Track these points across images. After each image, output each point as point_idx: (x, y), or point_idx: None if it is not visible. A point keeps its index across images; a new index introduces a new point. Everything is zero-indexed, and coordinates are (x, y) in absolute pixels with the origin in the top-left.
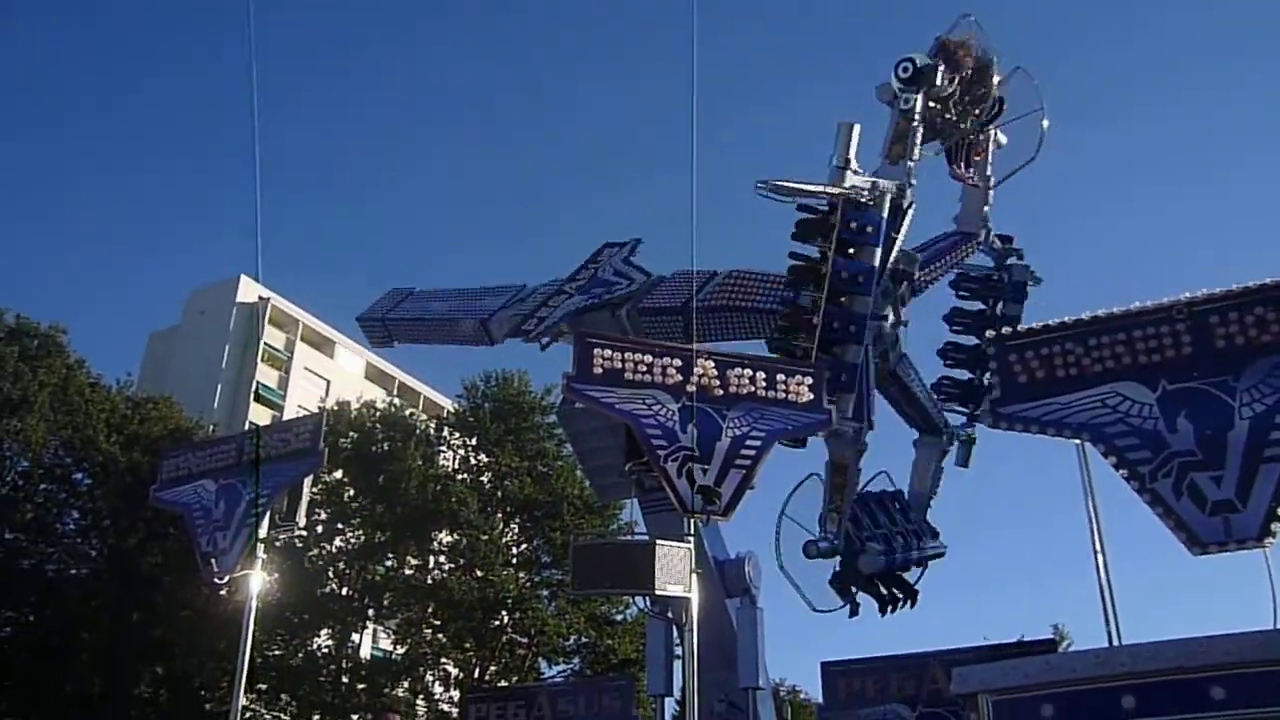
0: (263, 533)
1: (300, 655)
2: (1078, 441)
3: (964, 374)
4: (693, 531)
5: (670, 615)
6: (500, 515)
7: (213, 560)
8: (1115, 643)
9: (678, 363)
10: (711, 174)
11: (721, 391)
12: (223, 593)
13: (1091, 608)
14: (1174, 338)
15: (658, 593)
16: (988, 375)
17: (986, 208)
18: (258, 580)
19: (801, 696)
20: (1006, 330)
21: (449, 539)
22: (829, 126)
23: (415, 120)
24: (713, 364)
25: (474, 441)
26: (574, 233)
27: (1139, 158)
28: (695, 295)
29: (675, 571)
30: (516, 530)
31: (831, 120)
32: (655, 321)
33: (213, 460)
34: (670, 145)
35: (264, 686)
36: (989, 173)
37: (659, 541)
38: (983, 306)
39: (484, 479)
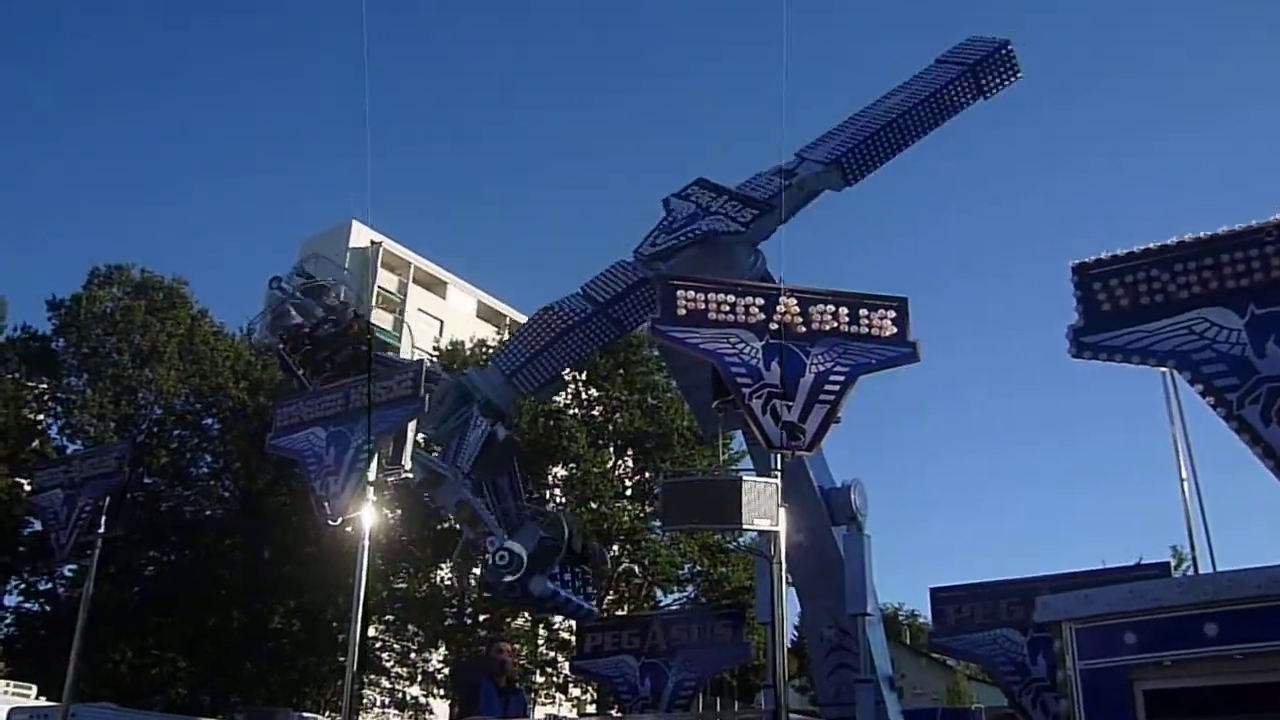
0: (371, 476)
1: (424, 587)
2: (1164, 370)
3: None
4: (780, 467)
5: (770, 550)
6: (612, 448)
7: (326, 503)
8: (1210, 570)
9: (761, 301)
10: None
11: (805, 328)
12: (348, 529)
13: (1215, 530)
14: (1263, 260)
15: (745, 527)
16: None
17: None
18: (369, 520)
19: (920, 620)
20: (1089, 259)
21: (562, 473)
22: None
23: (521, 61)
24: (795, 301)
25: (584, 376)
26: (678, 172)
27: None
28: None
29: (763, 506)
30: (629, 463)
31: None
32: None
33: (322, 409)
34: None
35: (391, 618)
36: None
37: (745, 477)
38: None
39: (595, 413)
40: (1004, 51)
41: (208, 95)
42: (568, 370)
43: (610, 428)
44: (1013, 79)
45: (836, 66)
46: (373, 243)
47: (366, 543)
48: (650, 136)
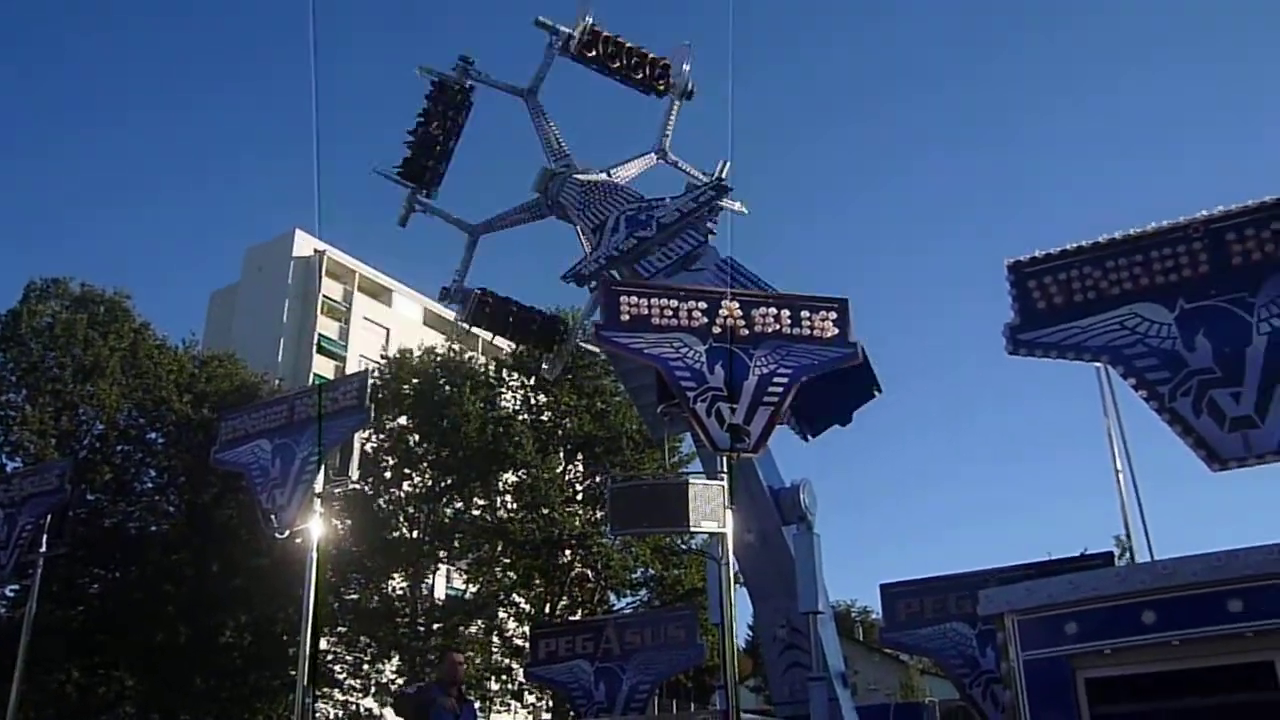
0: (318, 487)
1: (376, 598)
2: (1098, 364)
3: None
4: (727, 469)
5: (719, 552)
6: (561, 453)
7: (273, 516)
8: (1149, 559)
9: (703, 305)
10: None
11: (747, 331)
12: (297, 541)
13: (1154, 522)
14: (1190, 256)
15: (693, 529)
16: None
17: None
18: (317, 531)
19: (872, 617)
20: (1024, 257)
21: (513, 479)
22: None
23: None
24: (738, 304)
25: (532, 381)
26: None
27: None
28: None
29: (710, 508)
30: (579, 467)
31: None
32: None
33: (267, 420)
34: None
35: (343, 629)
36: None
37: (691, 480)
38: None
39: (544, 418)
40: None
41: (146, 109)
42: None
43: (559, 432)
44: None
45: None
46: (316, 251)
47: (315, 554)
48: (597, 134)
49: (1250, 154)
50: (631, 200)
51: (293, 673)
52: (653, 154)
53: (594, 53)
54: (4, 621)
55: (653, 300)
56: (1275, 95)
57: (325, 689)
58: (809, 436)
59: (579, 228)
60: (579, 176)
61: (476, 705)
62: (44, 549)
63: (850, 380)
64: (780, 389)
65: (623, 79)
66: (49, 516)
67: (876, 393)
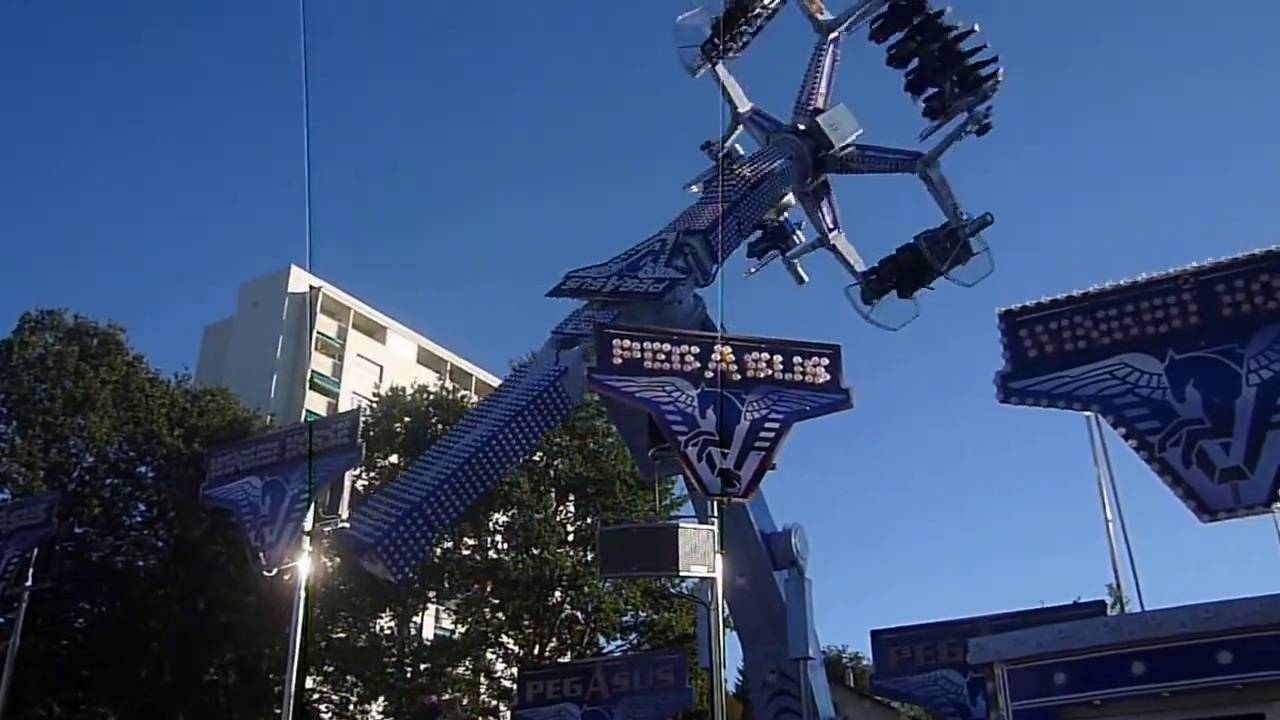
0: (308, 525)
1: (364, 637)
2: (1088, 414)
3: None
4: (718, 513)
5: (710, 597)
6: (553, 494)
7: (261, 553)
8: (1138, 608)
9: (696, 349)
10: None
11: (739, 376)
12: (286, 579)
13: (1145, 571)
14: (1180, 307)
15: (681, 573)
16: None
17: None
18: (305, 569)
19: (863, 662)
20: (1015, 306)
21: (504, 519)
22: None
23: (455, 101)
24: (730, 349)
25: None
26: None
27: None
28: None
29: (700, 553)
30: (571, 508)
31: None
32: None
33: (257, 458)
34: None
35: (330, 668)
36: None
37: (682, 524)
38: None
39: (536, 458)
40: None
41: (141, 141)
42: None
43: (551, 473)
44: None
45: None
46: (311, 288)
47: (303, 592)
48: (589, 170)
49: None
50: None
51: (278, 712)
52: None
53: None
54: None
55: (645, 344)
56: None
57: None
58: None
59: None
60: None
61: None
62: (30, 583)
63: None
64: (772, 433)
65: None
66: (35, 550)
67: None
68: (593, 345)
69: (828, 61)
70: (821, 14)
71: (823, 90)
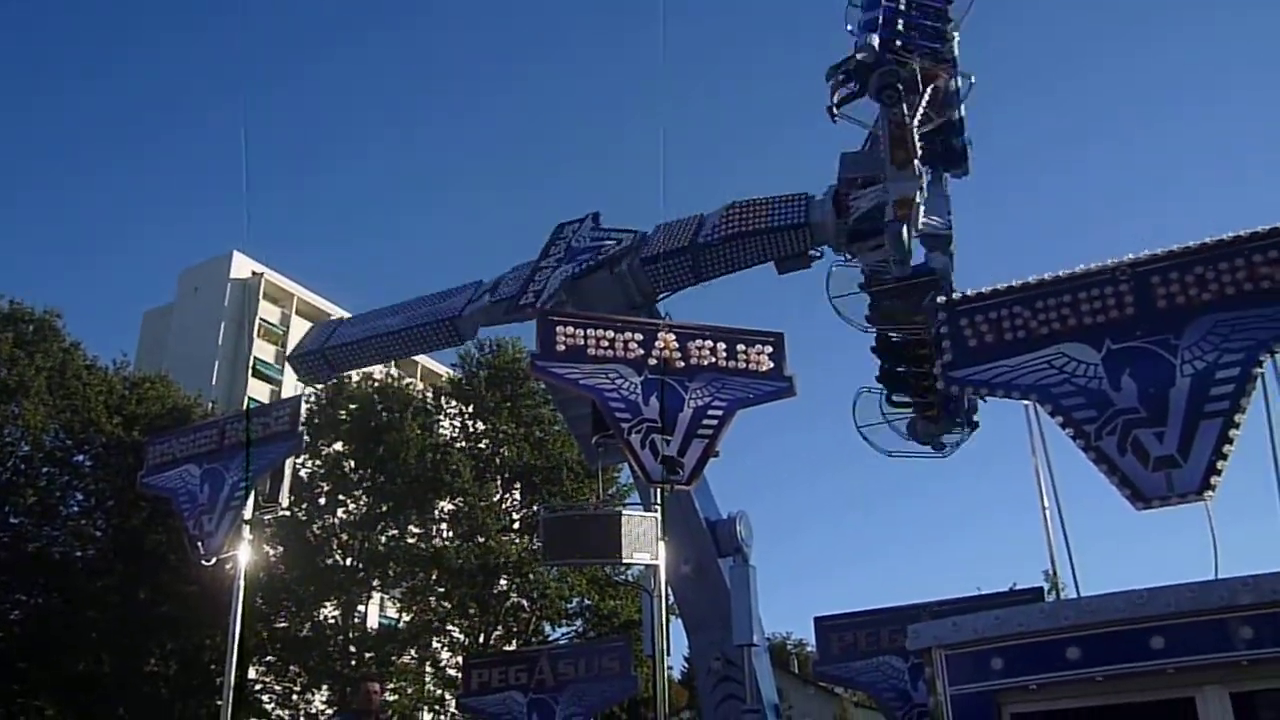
0: (247, 514)
1: (307, 626)
2: (1027, 403)
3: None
4: (660, 500)
5: (653, 584)
6: (499, 482)
7: (200, 543)
8: (1074, 595)
9: (639, 336)
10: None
11: (683, 363)
12: (228, 568)
13: (1082, 557)
14: (1117, 298)
15: (625, 561)
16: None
17: None
18: (245, 558)
19: (807, 649)
20: (957, 295)
21: (449, 507)
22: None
23: (397, 90)
24: (673, 336)
25: (471, 409)
26: (542, 206)
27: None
28: (695, 234)
29: (643, 540)
30: (516, 496)
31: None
32: (663, 267)
33: (195, 445)
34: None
35: (272, 658)
36: None
37: (625, 512)
38: None
39: (482, 446)
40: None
41: (80, 126)
42: None
43: (497, 460)
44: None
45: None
46: (254, 274)
47: (242, 581)
48: (533, 157)
49: None
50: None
51: (219, 702)
52: None
53: None
54: None
55: (589, 331)
56: None
57: (253, 719)
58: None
59: None
60: None
61: None
62: None
63: None
64: (715, 421)
65: None
66: None
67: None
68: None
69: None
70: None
71: None
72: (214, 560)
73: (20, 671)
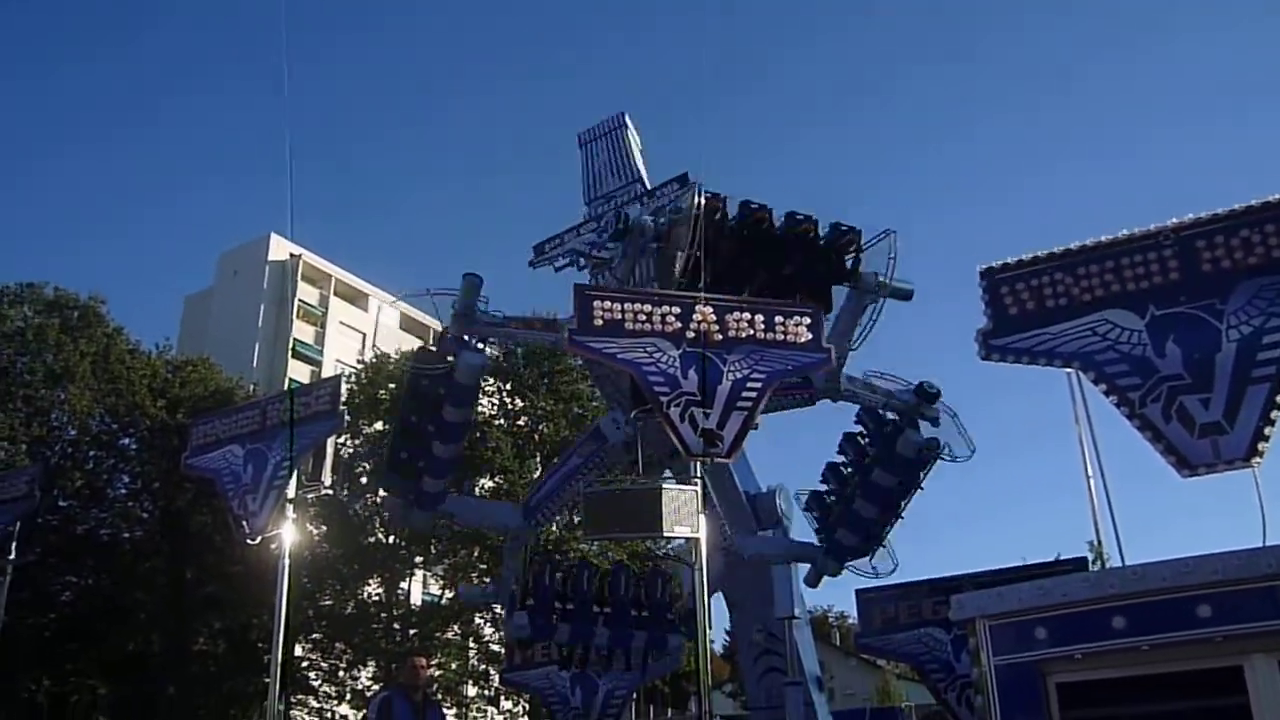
0: (290, 493)
1: (351, 604)
2: (1069, 371)
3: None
4: (700, 474)
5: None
6: (538, 458)
7: (244, 522)
8: (1119, 564)
9: (677, 310)
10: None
11: (721, 336)
12: (272, 547)
13: (1126, 527)
14: (1161, 263)
15: (666, 534)
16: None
17: None
18: (289, 537)
19: (849, 621)
20: (996, 263)
21: (489, 484)
22: None
23: (437, 70)
24: (711, 309)
25: (509, 386)
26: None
27: None
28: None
29: (684, 514)
30: None
31: None
32: None
33: (238, 426)
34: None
35: (318, 636)
36: None
37: (666, 485)
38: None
39: (520, 423)
40: None
41: (121, 110)
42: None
43: (536, 437)
44: None
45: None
46: (292, 255)
47: (287, 560)
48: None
49: None
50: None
51: (267, 680)
52: None
53: None
54: None
55: (626, 305)
56: None
57: (300, 696)
58: None
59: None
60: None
61: (445, 711)
62: (13, 556)
63: None
64: (754, 393)
65: None
66: (18, 523)
67: None
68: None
69: None
70: None
71: None
72: (258, 539)
73: (72, 651)
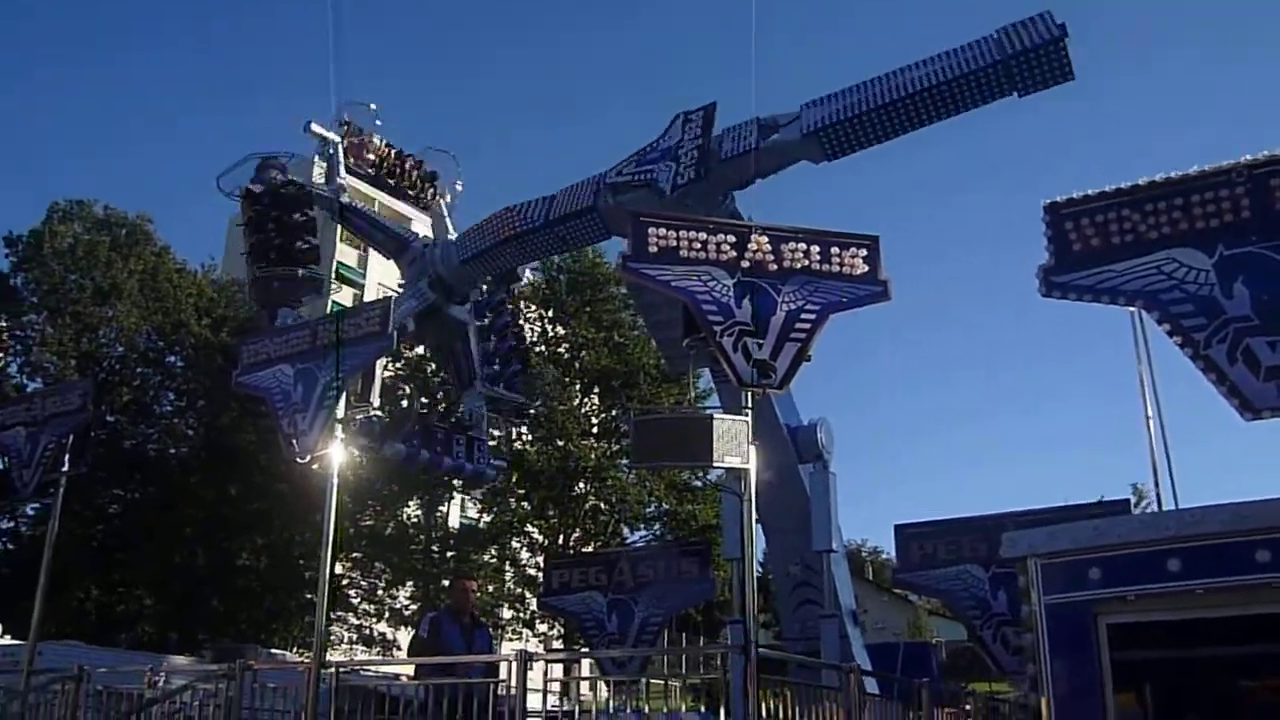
0: (339, 413)
1: (391, 525)
2: (1132, 309)
3: None
4: (751, 404)
5: (740, 488)
6: (578, 386)
7: (294, 441)
8: (1173, 506)
9: (732, 238)
10: None
11: (776, 266)
12: (315, 467)
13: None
14: (1232, 202)
15: (716, 464)
16: None
17: None
18: (338, 457)
19: (883, 557)
20: (1061, 198)
21: (529, 410)
22: None
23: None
24: (766, 239)
25: (550, 314)
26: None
27: None
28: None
29: (734, 443)
30: (595, 401)
31: None
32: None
33: (289, 345)
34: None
35: (358, 555)
36: None
37: (717, 415)
38: None
39: (561, 350)
40: (1055, 46)
41: (168, 34)
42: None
43: (576, 365)
44: (1059, 80)
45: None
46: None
47: (335, 480)
48: (636, 74)
49: None
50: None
51: (309, 596)
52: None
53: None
54: (24, 539)
55: (681, 233)
56: None
57: (340, 613)
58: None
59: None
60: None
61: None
62: (66, 468)
63: None
64: (808, 325)
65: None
66: (71, 436)
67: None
68: None
69: None
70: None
71: None
72: (308, 458)
73: (119, 562)
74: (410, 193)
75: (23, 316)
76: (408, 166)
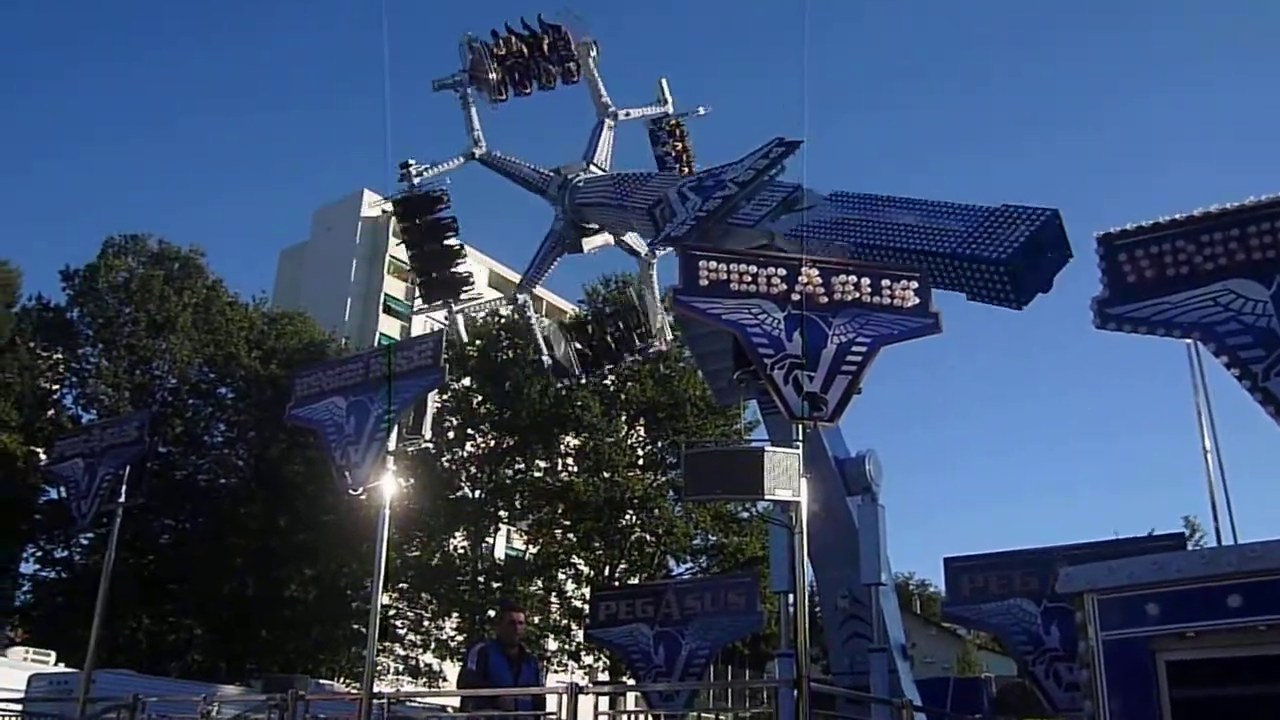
0: (391, 445)
1: (438, 556)
2: (1188, 341)
3: None
4: (802, 437)
5: (790, 520)
6: (624, 417)
7: (347, 473)
8: (1231, 541)
9: (782, 272)
10: None
11: (826, 299)
12: (362, 499)
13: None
14: None
15: (767, 497)
16: None
17: None
18: (390, 489)
19: (931, 590)
20: (1115, 229)
21: (575, 442)
22: None
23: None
24: (817, 272)
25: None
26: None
27: None
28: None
29: (785, 476)
30: (641, 432)
31: None
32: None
33: (342, 378)
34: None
35: (405, 585)
36: None
37: (768, 448)
38: None
39: (607, 382)
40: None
41: (218, 70)
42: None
43: (623, 397)
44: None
45: None
46: (384, 212)
47: (387, 512)
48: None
49: None
50: (677, 178)
51: (355, 626)
52: (605, 120)
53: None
54: (78, 568)
55: (731, 266)
56: None
57: (387, 643)
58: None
59: (627, 218)
60: (585, 176)
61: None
62: (123, 499)
63: (1050, 249)
64: (859, 357)
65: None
66: (128, 467)
67: (1070, 256)
68: None
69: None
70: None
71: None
72: (360, 490)
73: (170, 592)
74: (553, 69)
75: (79, 349)
76: (545, 46)
